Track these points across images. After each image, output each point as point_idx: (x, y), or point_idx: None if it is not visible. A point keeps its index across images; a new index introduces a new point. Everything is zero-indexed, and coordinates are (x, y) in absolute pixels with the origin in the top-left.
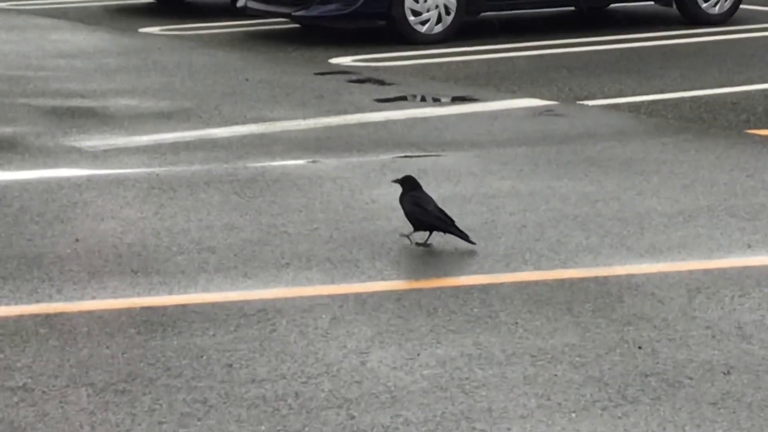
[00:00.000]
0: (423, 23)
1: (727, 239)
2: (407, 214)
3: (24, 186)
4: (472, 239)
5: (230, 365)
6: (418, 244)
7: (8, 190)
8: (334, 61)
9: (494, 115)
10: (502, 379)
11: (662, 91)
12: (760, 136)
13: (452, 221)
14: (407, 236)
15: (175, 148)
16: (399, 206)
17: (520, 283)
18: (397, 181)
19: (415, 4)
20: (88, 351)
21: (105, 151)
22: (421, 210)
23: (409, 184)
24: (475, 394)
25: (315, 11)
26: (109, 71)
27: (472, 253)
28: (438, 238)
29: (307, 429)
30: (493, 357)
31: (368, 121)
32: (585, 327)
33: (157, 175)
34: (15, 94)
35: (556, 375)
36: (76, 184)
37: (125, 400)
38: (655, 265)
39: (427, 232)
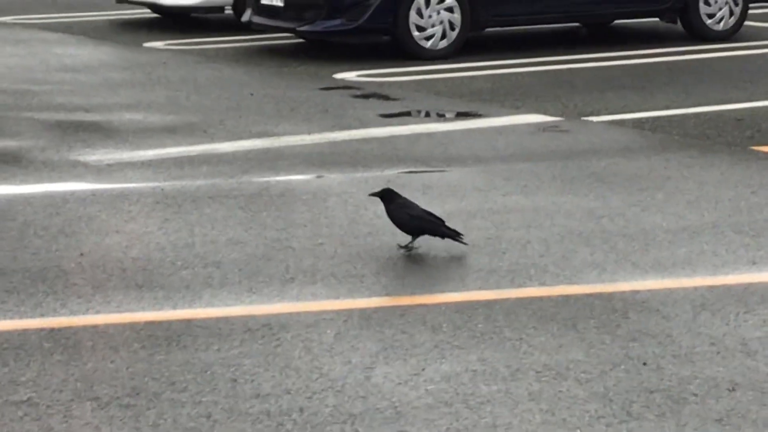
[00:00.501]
0: (427, 39)
1: (731, 256)
2: (398, 223)
3: (28, 200)
4: (464, 240)
5: (235, 380)
6: (400, 246)
7: (13, 204)
8: (338, 76)
9: (499, 131)
10: (506, 395)
11: (667, 108)
12: (764, 152)
13: (442, 222)
14: (407, 246)
15: (180, 162)
16: (402, 219)
17: (525, 299)
18: (375, 194)
19: (419, 19)
20: (93, 365)
21: (109, 165)
22: (410, 216)
23: (389, 197)
24: (480, 410)
25: (320, 26)
26: (114, 85)
27: (476, 269)
28: (443, 254)
29: None
30: (498, 373)
31: (373, 136)
32: (590, 343)
33: (162, 189)
34: (20, 107)
35: (560, 391)
36: (80, 198)
37: (130, 415)
38: (659, 281)
39: (418, 236)
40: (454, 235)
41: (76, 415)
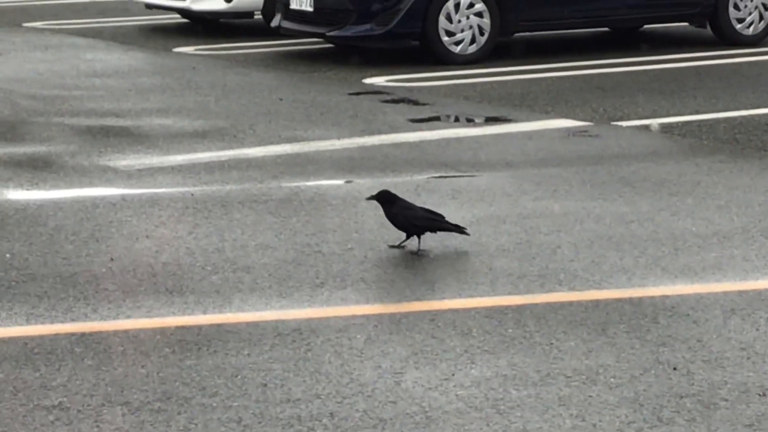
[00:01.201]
0: (457, 43)
1: (761, 260)
2: (401, 224)
3: (59, 205)
4: (467, 231)
5: (265, 385)
6: (413, 252)
7: (43, 209)
8: (368, 81)
9: (528, 136)
10: (536, 399)
11: (696, 112)
12: None
13: (443, 217)
14: (399, 246)
15: (210, 167)
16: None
17: (555, 303)
18: (372, 197)
19: (449, 24)
20: (123, 370)
21: (140, 170)
22: (413, 215)
23: (386, 199)
24: (510, 414)
25: (349, 31)
26: (144, 90)
27: (506, 274)
28: (473, 259)
29: None
30: (528, 378)
31: (402, 141)
32: (620, 348)
33: (192, 194)
34: (50, 113)
35: (590, 396)
36: (110, 203)
37: (160, 420)
38: (689, 286)
39: (419, 238)
40: (456, 229)
41: (106, 419)
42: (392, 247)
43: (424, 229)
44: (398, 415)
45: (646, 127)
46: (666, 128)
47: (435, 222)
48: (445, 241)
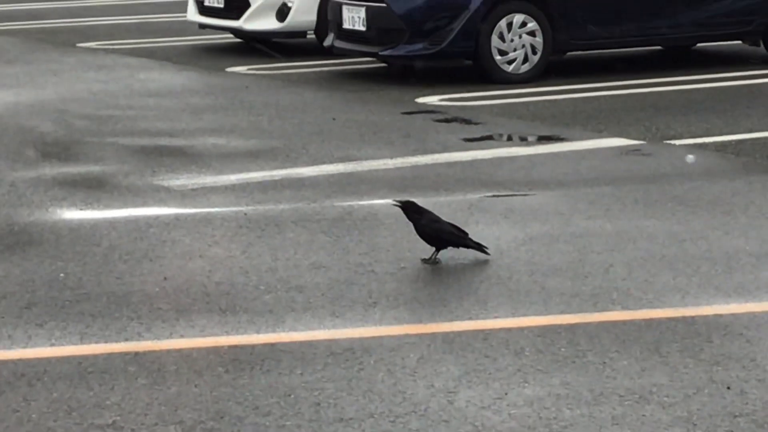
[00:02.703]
0: (509, 62)
1: None
2: (429, 237)
3: (113, 224)
4: (487, 250)
5: (318, 404)
6: (424, 260)
7: (97, 228)
8: (421, 100)
9: (581, 155)
10: (590, 419)
11: (750, 131)
12: None
13: (466, 234)
14: (433, 259)
15: (263, 187)
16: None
17: (608, 322)
18: (398, 204)
19: (501, 43)
20: (177, 389)
21: (193, 190)
22: (440, 228)
23: (414, 209)
24: None
25: (402, 50)
26: (197, 110)
27: (559, 293)
28: (525, 278)
29: None
30: (581, 397)
31: (455, 160)
32: (673, 367)
33: (245, 214)
34: (103, 133)
35: (644, 415)
36: (164, 222)
37: None
38: (743, 305)
39: (440, 249)
40: (478, 247)
41: None
42: (425, 261)
43: (448, 243)
44: None
45: (698, 146)
46: (719, 147)
47: (460, 238)
48: (497, 260)
